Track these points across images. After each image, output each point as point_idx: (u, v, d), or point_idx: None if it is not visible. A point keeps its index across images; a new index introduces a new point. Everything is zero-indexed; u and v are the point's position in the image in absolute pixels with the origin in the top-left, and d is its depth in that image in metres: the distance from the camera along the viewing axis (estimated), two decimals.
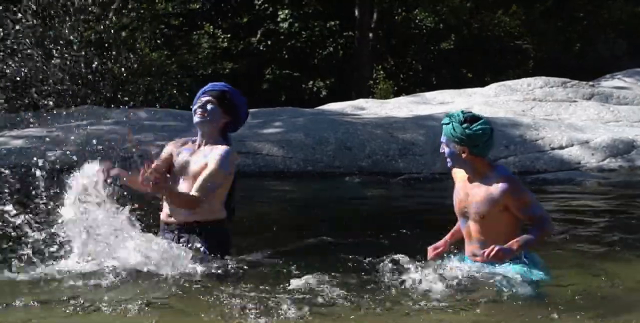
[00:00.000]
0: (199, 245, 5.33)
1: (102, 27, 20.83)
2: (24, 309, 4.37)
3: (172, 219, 5.46)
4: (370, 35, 26.11)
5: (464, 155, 5.07)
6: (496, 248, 4.79)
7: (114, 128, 12.75)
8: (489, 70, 26.44)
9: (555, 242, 6.37)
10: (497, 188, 4.97)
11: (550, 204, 8.82)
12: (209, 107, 5.53)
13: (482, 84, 21.02)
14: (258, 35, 25.69)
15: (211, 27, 24.59)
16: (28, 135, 12.49)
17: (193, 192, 5.27)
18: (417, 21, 27.31)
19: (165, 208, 5.52)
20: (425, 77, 27.12)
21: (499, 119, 13.59)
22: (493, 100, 16.11)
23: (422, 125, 12.96)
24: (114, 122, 13.52)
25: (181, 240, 5.42)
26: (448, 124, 5.12)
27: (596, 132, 12.88)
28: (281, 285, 4.82)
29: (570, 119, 14.65)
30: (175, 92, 21.44)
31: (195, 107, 5.58)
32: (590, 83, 17.89)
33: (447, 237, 5.32)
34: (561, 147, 12.44)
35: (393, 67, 27.23)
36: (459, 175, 5.24)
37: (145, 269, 5.01)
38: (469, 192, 5.11)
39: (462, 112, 5.14)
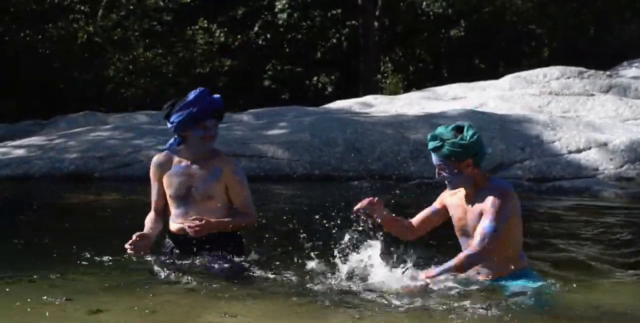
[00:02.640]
0: (218, 252, 5.72)
1: (91, 28, 20.96)
2: None
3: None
4: (376, 24, 26.12)
5: (468, 170, 5.17)
6: (410, 288, 5.12)
7: (114, 133, 12.91)
8: (502, 59, 26.47)
9: (565, 255, 6.56)
10: (491, 197, 5.12)
11: (564, 216, 8.98)
12: (217, 132, 5.91)
13: (496, 75, 21.09)
14: (255, 29, 25.69)
15: (205, 21, 24.61)
16: (29, 145, 12.68)
17: (244, 212, 5.84)
18: (423, 6, 27.28)
19: (178, 224, 5.83)
20: (436, 69, 27.20)
21: (515, 117, 13.77)
22: (508, 95, 16.23)
23: (434, 124, 13.02)
24: (113, 127, 13.68)
25: (198, 249, 5.76)
26: (441, 145, 5.16)
27: (614, 132, 13.02)
28: (284, 291, 5.16)
29: (588, 116, 14.78)
30: (172, 91, 21.57)
31: (201, 133, 5.82)
32: (608, 73, 18.04)
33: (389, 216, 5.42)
34: (579, 150, 12.55)
35: (401, 58, 27.27)
36: (455, 198, 5.34)
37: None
38: (467, 209, 5.24)
39: (445, 127, 5.22)
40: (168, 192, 5.90)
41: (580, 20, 27.30)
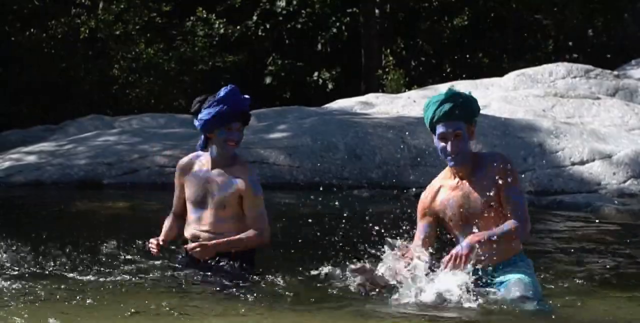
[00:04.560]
0: (227, 263, 5.89)
1: (93, 23, 21.28)
2: None
3: (200, 240, 5.96)
4: (377, 11, 26.30)
5: (473, 137, 5.13)
6: (455, 254, 4.91)
7: (121, 138, 13.40)
8: (506, 52, 26.60)
9: (562, 273, 6.70)
10: (492, 165, 5.06)
11: (562, 233, 9.24)
12: (241, 136, 5.93)
13: (500, 70, 21.31)
14: (254, 18, 25.90)
15: (204, 11, 24.92)
16: (41, 151, 13.15)
17: (253, 228, 5.88)
18: None
19: (192, 230, 6.03)
20: (438, 63, 27.32)
21: (518, 121, 13.98)
22: (512, 96, 16.38)
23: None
24: (120, 131, 14.18)
25: (209, 260, 5.93)
26: (461, 103, 5.05)
27: (619, 143, 13.32)
28: (282, 300, 5.40)
29: (593, 122, 14.91)
30: (175, 92, 21.95)
31: (225, 136, 5.83)
32: (615, 73, 18.19)
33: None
34: (582, 162, 12.86)
35: (402, 50, 27.40)
36: (442, 193, 5.25)
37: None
38: (467, 191, 5.17)
39: (447, 91, 5.14)
40: (186, 195, 6.07)
41: (589, 9, 27.38)
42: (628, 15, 26.84)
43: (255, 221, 5.92)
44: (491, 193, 5.08)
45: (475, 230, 5.11)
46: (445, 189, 5.25)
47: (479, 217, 5.14)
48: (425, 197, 5.34)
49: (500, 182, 5.05)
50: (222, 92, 5.88)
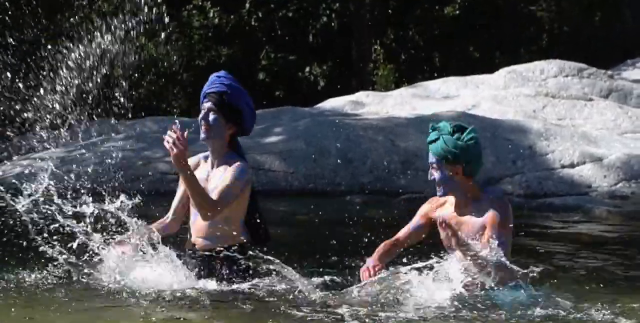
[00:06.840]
0: (222, 270, 5.97)
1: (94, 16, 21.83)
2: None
3: (197, 246, 6.07)
4: None
5: (457, 177, 5.41)
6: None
7: (126, 144, 14.07)
8: (498, 47, 26.82)
9: (555, 275, 6.85)
10: (488, 209, 5.38)
11: (554, 234, 9.58)
12: (211, 118, 5.91)
13: (491, 65, 21.67)
14: (247, 6, 26.52)
15: None
16: (50, 157, 13.75)
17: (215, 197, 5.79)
18: None
19: (191, 234, 6.14)
20: (428, 57, 27.58)
21: (508, 123, 14.44)
22: (502, 95, 16.73)
23: (425, 131, 13.62)
24: (125, 137, 14.73)
25: (203, 266, 6.04)
26: (437, 139, 5.35)
27: (611, 147, 13.70)
28: (274, 307, 5.56)
29: (585, 125, 15.38)
30: (175, 91, 22.45)
31: (200, 116, 5.95)
32: (609, 72, 18.41)
33: (380, 254, 5.59)
34: (572, 165, 13.26)
35: (393, 42, 27.78)
36: (444, 210, 5.59)
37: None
38: (461, 220, 5.48)
39: (448, 122, 5.45)
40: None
41: (587, 3, 27.63)
42: (626, 10, 27.05)
43: (218, 195, 5.80)
44: (480, 231, 5.42)
45: (457, 251, 5.51)
46: (449, 206, 5.60)
47: (463, 246, 5.49)
48: (430, 203, 5.71)
49: (489, 223, 5.40)
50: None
